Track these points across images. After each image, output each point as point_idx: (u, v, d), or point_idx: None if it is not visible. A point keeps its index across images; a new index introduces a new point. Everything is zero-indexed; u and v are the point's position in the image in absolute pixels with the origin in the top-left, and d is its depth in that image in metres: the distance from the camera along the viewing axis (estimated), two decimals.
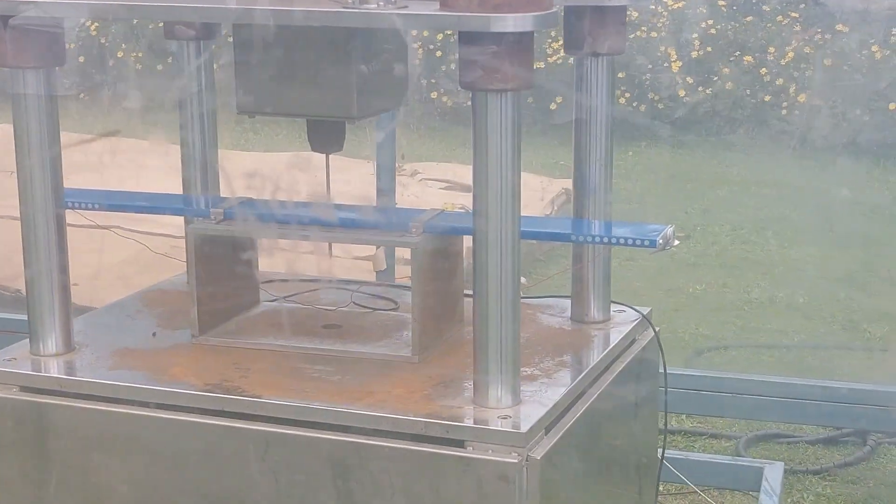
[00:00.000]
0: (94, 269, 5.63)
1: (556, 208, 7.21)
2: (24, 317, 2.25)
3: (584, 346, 2.53)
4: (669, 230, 2.36)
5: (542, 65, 9.17)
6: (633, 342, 2.62)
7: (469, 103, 2.08)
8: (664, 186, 8.75)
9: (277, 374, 2.37)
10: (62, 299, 2.44)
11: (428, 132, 9.36)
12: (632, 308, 2.70)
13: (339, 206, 2.56)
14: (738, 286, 6.51)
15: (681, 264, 6.98)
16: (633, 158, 9.27)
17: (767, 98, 9.55)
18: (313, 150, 2.52)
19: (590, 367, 2.41)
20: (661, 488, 3.10)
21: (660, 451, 2.84)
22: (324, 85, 2.34)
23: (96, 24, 9.79)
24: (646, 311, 2.70)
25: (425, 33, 8.62)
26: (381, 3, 2.09)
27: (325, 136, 2.48)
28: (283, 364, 2.42)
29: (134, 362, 2.43)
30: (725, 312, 6.07)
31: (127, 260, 5.36)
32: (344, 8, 2.11)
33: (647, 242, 2.33)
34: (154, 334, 2.58)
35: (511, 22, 2.02)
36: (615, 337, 2.56)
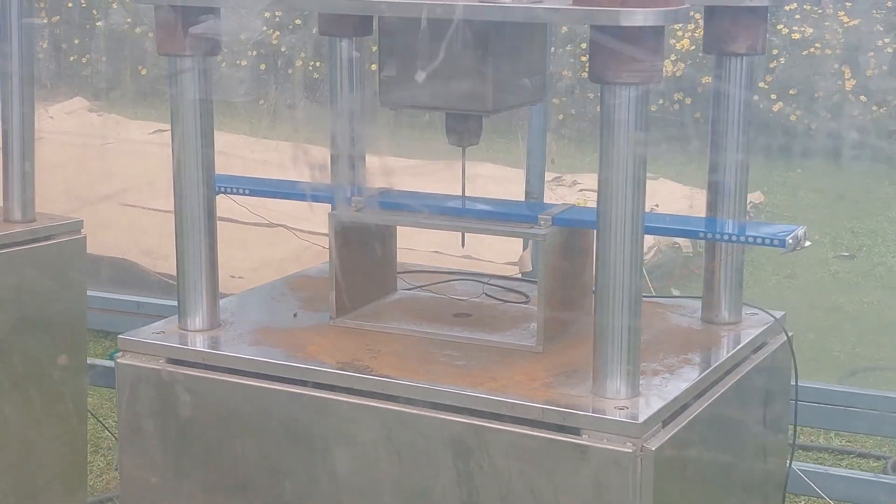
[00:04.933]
0: (257, 263, 5.85)
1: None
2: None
3: (711, 345, 2.53)
4: (801, 231, 2.34)
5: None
6: (762, 345, 2.60)
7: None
8: (831, 205, 8.54)
9: (406, 357, 2.45)
10: (210, 278, 2.57)
11: (590, 141, 9.35)
12: (765, 311, 2.68)
13: (472, 199, 2.63)
14: None
15: (842, 283, 6.79)
16: (800, 176, 9.07)
17: None
18: (450, 143, 2.59)
19: (714, 365, 2.40)
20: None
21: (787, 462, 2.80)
22: (461, 78, 2.42)
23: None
24: (779, 314, 2.67)
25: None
26: None
27: (462, 129, 2.56)
28: (413, 348, 2.50)
29: (273, 340, 2.55)
30: (884, 333, 5.88)
31: (289, 256, 5.55)
32: (480, 2, 2.18)
33: (776, 242, 2.32)
34: (295, 315, 2.70)
35: (640, 16, 2.06)
36: (744, 338, 2.55)
